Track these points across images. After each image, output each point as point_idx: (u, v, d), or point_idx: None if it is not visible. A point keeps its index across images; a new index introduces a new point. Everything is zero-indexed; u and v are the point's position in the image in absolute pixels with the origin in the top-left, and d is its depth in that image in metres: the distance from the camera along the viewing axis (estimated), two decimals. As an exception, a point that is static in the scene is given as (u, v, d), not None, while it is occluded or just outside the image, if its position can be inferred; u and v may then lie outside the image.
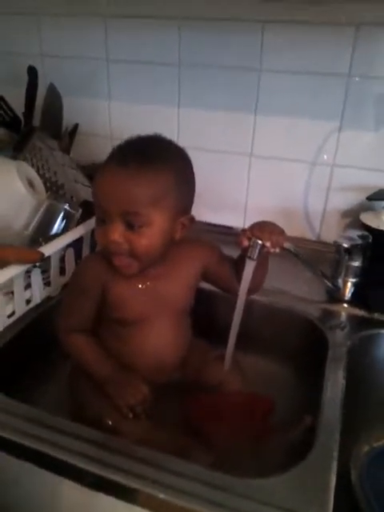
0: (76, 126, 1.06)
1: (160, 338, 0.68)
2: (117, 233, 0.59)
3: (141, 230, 0.59)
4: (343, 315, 0.77)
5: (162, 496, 0.46)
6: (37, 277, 0.74)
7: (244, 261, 0.64)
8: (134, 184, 0.58)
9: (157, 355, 0.68)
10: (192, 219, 0.65)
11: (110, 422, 0.61)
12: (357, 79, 0.87)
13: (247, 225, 0.68)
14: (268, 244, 0.62)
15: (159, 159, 0.60)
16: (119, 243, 0.59)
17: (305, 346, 0.77)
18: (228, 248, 0.73)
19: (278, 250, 0.63)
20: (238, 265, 0.69)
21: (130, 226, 0.59)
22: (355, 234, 0.78)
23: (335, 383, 0.62)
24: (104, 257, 0.64)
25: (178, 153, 0.64)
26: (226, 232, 1.01)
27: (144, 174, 0.58)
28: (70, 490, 0.53)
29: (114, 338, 0.68)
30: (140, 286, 0.66)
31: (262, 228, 0.63)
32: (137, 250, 0.60)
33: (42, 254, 0.68)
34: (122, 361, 0.67)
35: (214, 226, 1.04)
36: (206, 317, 0.76)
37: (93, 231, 0.82)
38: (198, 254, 0.70)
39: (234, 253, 0.70)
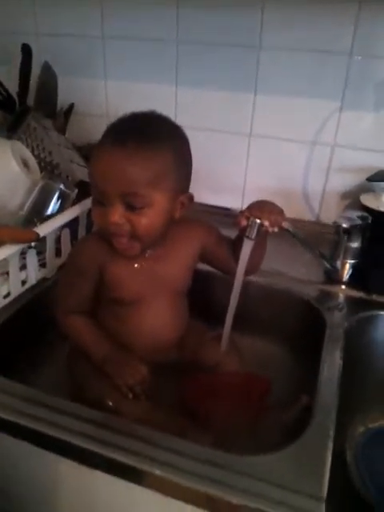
0: (71, 106, 1.04)
1: (157, 318, 0.68)
2: (117, 214, 0.57)
3: (141, 210, 0.58)
4: (341, 296, 0.77)
5: (158, 472, 0.46)
6: (32, 257, 0.74)
7: (242, 241, 0.63)
8: (132, 164, 0.56)
9: (154, 335, 0.68)
10: (191, 198, 0.65)
11: (111, 403, 0.61)
12: (358, 58, 0.86)
13: (245, 206, 0.67)
14: (266, 223, 0.61)
15: (157, 138, 0.58)
16: (120, 224, 0.58)
17: (302, 327, 0.77)
18: (226, 229, 0.72)
19: (276, 230, 0.63)
20: (235, 245, 0.68)
21: (130, 207, 0.58)
22: (355, 214, 0.77)
23: (332, 364, 0.62)
24: (101, 237, 0.63)
25: (175, 130, 0.63)
26: (225, 213, 1.00)
27: (142, 154, 0.56)
28: (69, 469, 0.53)
29: (112, 318, 0.68)
30: (137, 265, 0.65)
31: (261, 207, 0.62)
32: (138, 231, 0.59)
33: (37, 234, 0.67)
34: (120, 340, 0.67)
35: (213, 207, 1.03)
36: (203, 298, 0.76)
37: (89, 211, 0.81)
38: (196, 234, 0.69)
39: (233, 234, 0.69)
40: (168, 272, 0.67)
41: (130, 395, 0.61)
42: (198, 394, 0.68)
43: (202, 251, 0.70)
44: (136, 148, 0.56)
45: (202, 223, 0.71)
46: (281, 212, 0.63)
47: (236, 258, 0.66)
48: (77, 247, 0.71)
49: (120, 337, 0.67)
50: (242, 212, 0.63)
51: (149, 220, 0.59)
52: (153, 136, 0.58)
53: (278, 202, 0.65)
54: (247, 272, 0.65)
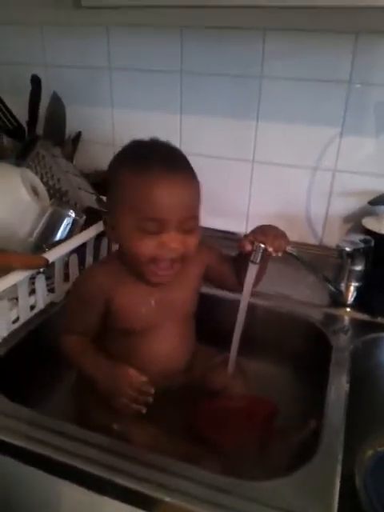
0: (79, 134, 1.07)
1: (167, 345, 0.68)
2: (176, 240, 0.58)
3: (192, 231, 0.60)
4: (346, 319, 0.77)
5: (167, 499, 0.46)
6: (41, 283, 0.75)
7: (243, 260, 0.65)
8: (191, 189, 0.59)
9: (163, 361, 0.68)
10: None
11: (116, 427, 0.61)
12: (357, 86, 0.88)
13: (250, 230, 0.68)
14: (270, 249, 0.62)
15: (191, 166, 0.62)
16: (178, 249, 0.59)
17: (308, 349, 0.77)
18: (230, 254, 0.74)
19: (280, 254, 0.64)
20: (236, 263, 0.69)
21: (184, 231, 0.59)
22: (357, 238, 0.78)
23: (339, 387, 0.62)
24: (109, 266, 0.65)
25: None
26: (229, 237, 1.02)
27: (193, 182, 0.60)
28: (76, 495, 0.53)
29: (120, 347, 0.67)
30: (146, 294, 0.65)
31: (265, 232, 0.63)
32: (189, 251, 0.61)
33: (47, 260, 0.69)
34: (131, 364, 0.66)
35: (217, 231, 1.04)
36: (208, 321, 0.76)
37: (97, 237, 0.83)
38: (199, 256, 0.69)
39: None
40: (177, 297, 0.67)
41: (135, 406, 0.58)
42: (205, 421, 0.68)
43: (206, 271, 0.71)
44: (188, 173, 0.60)
45: (203, 243, 0.71)
46: (284, 236, 0.64)
47: (237, 275, 0.68)
48: (83, 275, 0.70)
49: (128, 365, 0.66)
50: (246, 236, 0.64)
51: (196, 239, 0.61)
52: (190, 166, 0.62)
53: (282, 226, 0.66)
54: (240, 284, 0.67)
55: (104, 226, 0.66)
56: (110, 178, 0.63)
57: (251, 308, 0.68)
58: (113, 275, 0.64)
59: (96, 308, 0.65)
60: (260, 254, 0.62)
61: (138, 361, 0.66)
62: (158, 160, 0.58)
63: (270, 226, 0.66)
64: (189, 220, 0.59)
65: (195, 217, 0.60)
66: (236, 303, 0.67)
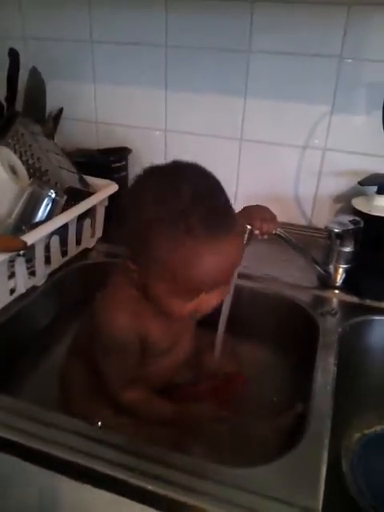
0: (60, 111, 1.03)
1: (179, 355, 0.68)
2: (219, 297, 0.56)
3: None
4: (334, 301, 0.76)
5: (150, 487, 0.45)
6: (21, 266, 0.72)
7: None
8: (239, 250, 0.54)
9: (174, 370, 0.68)
10: None
11: (99, 423, 0.59)
12: (349, 61, 0.85)
13: (237, 210, 0.66)
14: (257, 231, 0.61)
15: (230, 204, 0.54)
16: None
17: (296, 332, 0.76)
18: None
19: (265, 237, 0.62)
20: None
21: None
22: (347, 219, 0.77)
23: (326, 370, 0.61)
24: (132, 304, 0.58)
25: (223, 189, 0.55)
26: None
27: (238, 235, 0.54)
28: (59, 484, 0.52)
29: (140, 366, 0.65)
30: (170, 322, 0.62)
31: (253, 214, 0.62)
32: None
33: (25, 243, 0.66)
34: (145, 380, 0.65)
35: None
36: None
37: (78, 218, 0.81)
38: None
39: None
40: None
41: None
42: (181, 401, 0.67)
43: None
44: (234, 232, 0.51)
45: None
46: (274, 219, 0.63)
47: None
48: (112, 324, 0.59)
49: (146, 380, 0.65)
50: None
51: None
52: (230, 206, 0.53)
53: (270, 206, 0.65)
54: None
55: (126, 268, 0.56)
56: (134, 220, 0.52)
57: (239, 290, 0.68)
58: (139, 314, 0.59)
59: (135, 350, 0.61)
60: (246, 236, 0.61)
61: (151, 375, 0.65)
62: (199, 218, 0.48)
63: (259, 207, 0.64)
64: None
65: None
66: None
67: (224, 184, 1.04)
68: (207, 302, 0.54)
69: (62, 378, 0.71)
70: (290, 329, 0.77)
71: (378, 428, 0.72)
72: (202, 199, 0.49)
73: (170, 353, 0.65)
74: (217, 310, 0.67)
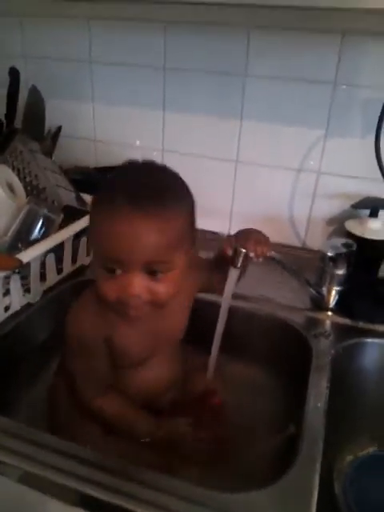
0: (59, 129, 1.04)
1: (160, 371, 0.66)
2: (137, 285, 0.52)
3: (163, 275, 0.53)
4: (327, 323, 0.77)
5: (139, 511, 0.45)
6: (16, 283, 0.72)
7: (223, 261, 0.64)
8: (158, 230, 0.50)
9: (156, 387, 0.67)
10: (195, 249, 0.61)
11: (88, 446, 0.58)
12: (343, 87, 0.87)
13: (233, 230, 0.67)
14: (252, 254, 0.61)
15: (174, 196, 0.53)
16: (141, 296, 0.53)
17: (289, 353, 0.76)
18: (214, 253, 0.72)
19: (261, 260, 0.63)
20: (216, 264, 0.68)
21: (151, 274, 0.52)
22: (339, 242, 0.77)
23: (319, 393, 0.62)
24: (97, 307, 0.58)
25: (184, 186, 0.57)
26: (211, 237, 1.00)
27: (166, 217, 0.51)
28: (49, 505, 0.51)
29: (114, 380, 0.64)
30: (141, 328, 0.61)
31: (247, 237, 0.62)
32: (159, 299, 0.54)
33: (20, 262, 0.66)
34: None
35: (199, 231, 1.03)
36: (189, 323, 0.75)
37: (75, 237, 0.81)
38: (192, 279, 0.65)
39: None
40: (172, 326, 0.65)
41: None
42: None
43: (199, 289, 0.69)
44: (158, 210, 0.50)
45: (192, 263, 0.63)
46: (267, 241, 0.63)
47: (217, 275, 0.66)
48: (76, 326, 0.60)
49: (121, 393, 0.64)
50: (228, 239, 0.63)
51: (170, 285, 0.54)
52: (170, 196, 0.53)
53: (265, 228, 0.66)
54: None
55: None
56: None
57: (233, 311, 0.68)
58: (102, 315, 0.58)
59: (103, 354, 0.61)
60: (241, 259, 0.61)
61: (130, 389, 0.65)
62: (125, 192, 0.51)
63: (252, 231, 0.65)
64: (157, 264, 0.52)
65: (166, 261, 0.52)
66: (217, 306, 0.67)
67: (219, 204, 1.06)
68: (125, 286, 0.52)
69: (50, 398, 0.70)
70: (282, 350, 0.78)
71: (370, 450, 0.72)
72: (142, 177, 0.53)
73: (146, 366, 0.64)
74: (210, 331, 0.67)
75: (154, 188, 0.52)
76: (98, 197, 0.54)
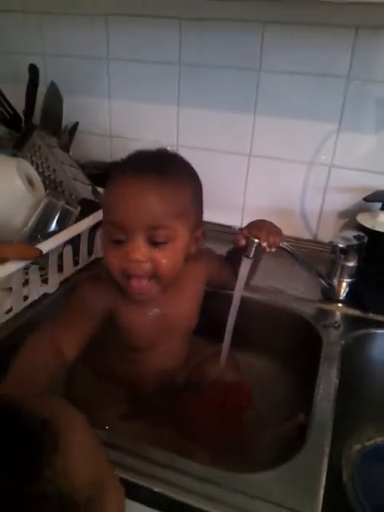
0: (76, 125, 1.06)
1: (169, 358, 0.68)
2: (139, 251, 0.53)
3: (165, 246, 0.55)
4: (338, 314, 0.78)
5: (156, 489, 0.47)
6: (35, 274, 0.75)
7: (237, 254, 0.65)
8: (159, 194, 0.53)
9: (165, 372, 0.68)
10: (203, 233, 0.63)
11: (107, 427, 0.60)
12: (356, 82, 0.88)
13: (245, 224, 0.68)
14: (264, 244, 0.63)
15: (178, 170, 0.57)
16: (141, 262, 0.54)
17: (299, 344, 0.77)
18: (226, 246, 0.74)
19: (273, 250, 0.64)
20: (230, 257, 0.70)
21: (153, 243, 0.54)
22: (351, 234, 0.78)
23: (328, 382, 0.63)
24: (110, 280, 0.58)
25: (190, 166, 0.61)
26: (224, 230, 1.02)
27: (168, 184, 0.54)
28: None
29: (122, 363, 0.66)
30: (149, 311, 0.63)
31: (260, 227, 0.64)
32: (160, 269, 0.55)
33: (41, 251, 0.69)
34: (129, 379, 0.67)
35: (212, 224, 1.04)
36: (202, 314, 0.77)
37: (92, 229, 0.83)
38: (201, 267, 0.68)
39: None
40: (181, 313, 0.66)
41: None
42: (185, 406, 0.68)
43: (208, 280, 0.70)
44: (162, 179, 0.54)
45: (203, 252, 0.69)
46: (279, 232, 0.65)
47: (233, 270, 0.68)
48: (85, 285, 0.63)
49: (129, 376, 0.66)
50: (241, 231, 0.65)
51: (172, 256, 0.55)
52: (174, 169, 0.57)
53: (276, 221, 0.67)
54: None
55: None
56: None
57: (244, 301, 0.69)
58: (113, 291, 0.60)
59: (94, 320, 0.60)
60: (253, 249, 0.63)
61: (138, 373, 0.66)
62: (133, 164, 0.56)
63: (265, 222, 0.66)
64: (157, 230, 0.54)
65: (166, 227, 0.54)
66: (229, 296, 0.68)
67: (232, 197, 1.07)
68: (128, 252, 0.54)
69: (68, 384, 0.72)
70: (293, 340, 0.79)
71: (378, 440, 0.73)
72: (150, 156, 0.58)
73: (149, 353, 0.65)
74: (222, 322, 0.69)
75: (158, 162, 0.57)
76: (110, 173, 0.58)
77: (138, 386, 0.68)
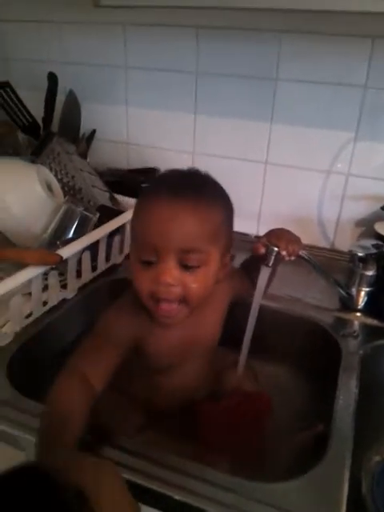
0: (93, 132, 1.08)
1: (193, 377, 0.67)
2: (170, 274, 0.51)
3: (197, 270, 0.53)
4: (356, 324, 0.77)
5: (177, 497, 0.46)
6: (54, 279, 0.76)
7: (255, 262, 0.65)
8: (193, 216, 0.51)
9: (189, 391, 0.67)
10: (232, 257, 0.62)
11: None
12: (373, 91, 0.88)
13: (261, 232, 0.68)
14: (284, 252, 0.62)
15: (212, 193, 0.56)
16: (172, 286, 0.52)
17: (317, 353, 0.77)
18: (242, 254, 0.74)
19: (293, 258, 0.64)
20: (247, 269, 0.69)
21: (184, 266, 0.52)
22: (369, 243, 0.78)
23: (348, 393, 0.62)
24: (137, 307, 0.57)
25: (220, 187, 0.60)
26: (241, 238, 1.02)
27: (203, 206, 0.52)
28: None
29: (147, 385, 0.65)
30: (176, 336, 0.61)
31: (279, 236, 0.64)
32: (191, 294, 0.53)
33: (61, 257, 0.69)
34: (151, 398, 0.66)
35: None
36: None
37: (110, 235, 0.84)
38: (225, 286, 0.66)
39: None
40: (206, 333, 0.65)
41: None
42: (204, 417, 0.67)
43: (232, 297, 0.69)
44: (197, 200, 0.52)
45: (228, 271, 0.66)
46: (298, 241, 0.65)
47: (252, 284, 0.67)
48: (112, 314, 0.61)
49: (152, 396, 0.66)
50: (260, 239, 0.65)
51: (203, 281, 0.54)
52: (208, 190, 0.55)
53: (293, 229, 0.67)
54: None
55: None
56: None
57: (262, 310, 0.69)
58: (139, 318, 0.59)
59: (121, 349, 0.58)
60: (273, 258, 0.63)
61: (160, 393, 0.66)
62: (167, 184, 0.55)
63: (283, 230, 0.66)
64: (190, 254, 0.52)
65: (200, 251, 0.52)
66: (247, 305, 0.68)
67: (248, 205, 1.07)
68: (158, 274, 0.52)
69: None
70: (311, 350, 0.78)
71: (398, 451, 0.72)
72: (175, 175, 0.57)
73: (177, 372, 0.64)
74: (241, 331, 0.69)
75: (193, 183, 0.55)
76: (142, 193, 0.57)
77: (161, 405, 0.67)
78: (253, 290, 0.67)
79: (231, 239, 0.60)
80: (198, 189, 0.54)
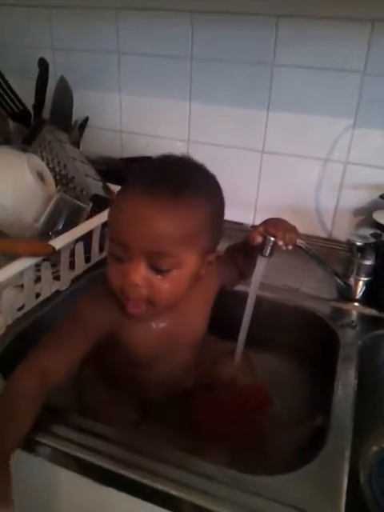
0: (86, 120, 1.05)
1: (177, 370, 0.65)
2: (138, 275, 0.50)
3: (168, 273, 0.51)
4: (354, 314, 0.76)
5: (174, 493, 0.46)
6: (46, 270, 0.74)
7: (249, 251, 0.64)
8: (166, 218, 0.49)
9: (172, 384, 0.66)
10: (218, 256, 0.59)
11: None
12: (372, 77, 0.86)
13: (257, 221, 0.67)
14: (281, 242, 0.61)
15: (195, 191, 0.52)
16: (139, 287, 0.51)
17: (315, 343, 0.76)
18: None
19: (290, 248, 0.63)
20: (240, 254, 0.68)
21: (154, 269, 0.51)
22: (368, 232, 0.77)
23: (346, 383, 0.61)
24: (111, 297, 0.55)
25: (212, 182, 0.57)
26: (236, 228, 1.01)
27: (179, 207, 0.49)
28: (81, 485, 0.53)
29: (126, 378, 0.64)
30: (155, 326, 0.59)
31: (276, 225, 0.62)
32: (157, 298, 0.52)
33: (53, 248, 0.68)
34: (136, 389, 0.65)
35: (225, 221, 1.03)
36: (217, 312, 0.76)
37: (103, 226, 0.82)
38: (212, 278, 0.63)
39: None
40: (189, 326, 0.62)
41: None
42: (200, 413, 0.67)
43: (219, 288, 0.68)
44: (171, 201, 0.49)
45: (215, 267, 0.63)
46: (295, 230, 0.64)
47: (244, 267, 0.67)
48: (88, 299, 0.59)
49: (136, 387, 0.65)
50: (256, 228, 0.63)
51: (173, 285, 0.52)
52: (190, 189, 0.51)
53: (290, 219, 0.66)
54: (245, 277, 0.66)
55: None
56: None
57: (259, 300, 0.68)
58: (114, 307, 0.56)
59: (93, 336, 0.55)
60: (270, 247, 0.61)
61: (143, 386, 0.65)
62: (146, 178, 0.52)
63: (280, 219, 0.65)
64: (160, 257, 0.50)
65: (170, 255, 0.50)
66: (244, 295, 0.67)
67: (244, 194, 1.06)
68: (127, 273, 0.50)
69: (76, 386, 0.71)
70: (309, 340, 0.78)
71: (396, 442, 0.72)
72: (159, 167, 0.54)
73: (159, 365, 0.62)
74: (237, 321, 0.68)
75: (173, 179, 0.51)
76: (123, 184, 0.55)
77: (146, 395, 0.66)
78: (240, 278, 0.67)
79: (218, 237, 0.58)
80: (178, 187, 0.50)
